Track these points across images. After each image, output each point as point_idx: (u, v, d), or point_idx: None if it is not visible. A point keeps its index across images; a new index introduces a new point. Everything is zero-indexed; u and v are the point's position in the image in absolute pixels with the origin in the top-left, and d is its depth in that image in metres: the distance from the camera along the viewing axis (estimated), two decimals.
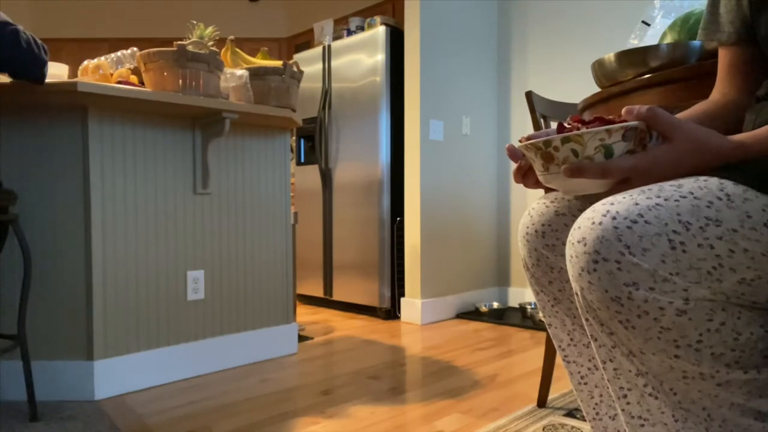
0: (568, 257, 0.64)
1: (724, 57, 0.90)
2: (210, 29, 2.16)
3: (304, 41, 4.77)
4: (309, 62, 3.53)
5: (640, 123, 0.67)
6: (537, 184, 0.84)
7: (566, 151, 0.69)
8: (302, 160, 3.64)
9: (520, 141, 0.76)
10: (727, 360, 0.59)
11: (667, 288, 0.57)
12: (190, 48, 1.94)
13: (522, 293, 3.31)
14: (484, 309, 3.14)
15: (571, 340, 0.92)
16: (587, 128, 0.68)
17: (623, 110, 0.70)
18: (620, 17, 2.85)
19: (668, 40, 1.33)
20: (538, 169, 0.75)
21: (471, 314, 3.14)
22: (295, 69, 2.29)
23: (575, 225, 0.64)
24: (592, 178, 0.68)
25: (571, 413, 1.61)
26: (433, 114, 3.03)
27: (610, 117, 0.70)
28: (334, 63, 3.40)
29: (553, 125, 2.69)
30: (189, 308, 2.09)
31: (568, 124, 0.72)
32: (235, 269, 2.23)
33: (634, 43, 1.53)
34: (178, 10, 5.06)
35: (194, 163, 2.11)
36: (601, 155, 0.68)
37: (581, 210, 0.85)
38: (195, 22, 2.19)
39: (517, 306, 3.24)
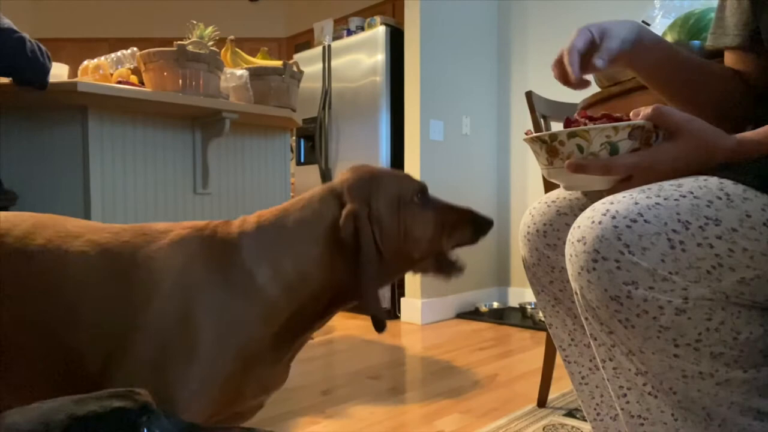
0: (567, 256, 0.64)
1: (729, 60, 0.90)
2: (210, 29, 2.16)
3: (304, 41, 4.77)
4: (309, 62, 3.53)
5: (647, 122, 0.67)
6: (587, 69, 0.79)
7: (571, 146, 0.69)
8: (302, 160, 3.64)
9: (526, 134, 0.76)
10: (727, 359, 0.59)
11: (666, 287, 0.57)
12: (190, 48, 1.94)
13: (522, 293, 3.32)
14: (484, 309, 3.14)
15: (572, 340, 0.92)
16: (594, 124, 0.68)
17: (631, 113, 0.70)
18: (620, 17, 2.84)
19: (668, 40, 1.33)
20: (542, 163, 0.75)
21: (471, 314, 3.14)
22: (295, 69, 2.29)
23: (575, 224, 0.64)
24: (595, 175, 0.68)
25: (571, 413, 1.61)
26: (433, 114, 3.03)
27: (618, 115, 0.70)
28: (334, 63, 3.40)
29: (554, 125, 2.69)
30: None
31: (575, 119, 0.72)
32: None
33: None
34: (178, 10, 5.06)
35: (194, 163, 2.11)
36: (606, 152, 0.68)
37: (582, 209, 0.85)
38: (195, 22, 2.19)
39: (517, 306, 3.24)
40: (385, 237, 0.81)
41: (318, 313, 0.82)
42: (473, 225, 0.88)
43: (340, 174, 0.86)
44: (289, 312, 0.78)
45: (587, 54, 0.77)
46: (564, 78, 0.79)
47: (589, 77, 0.82)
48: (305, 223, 0.81)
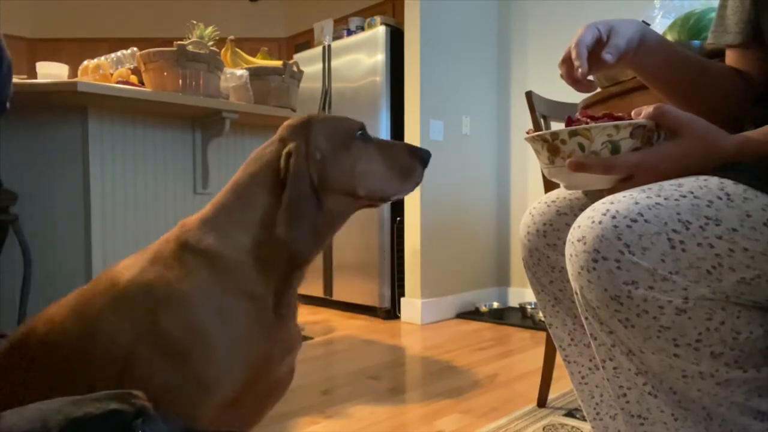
0: (567, 256, 0.64)
1: (731, 59, 0.90)
2: (210, 29, 2.16)
3: (304, 41, 4.77)
4: (309, 62, 3.53)
5: (648, 121, 0.67)
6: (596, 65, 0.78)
7: (573, 144, 0.69)
8: None
9: (527, 133, 0.76)
10: (727, 359, 0.59)
11: (666, 287, 0.57)
12: (190, 48, 1.94)
13: (522, 293, 3.31)
14: (484, 309, 3.14)
15: (572, 339, 0.92)
16: (596, 123, 0.68)
17: (633, 112, 0.70)
18: (620, 17, 2.84)
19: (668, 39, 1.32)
20: (543, 162, 0.75)
21: (471, 314, 3.14)
22: (295, 69, 2.29)
23: (575, 224, 0.64)
24: (596, 173, 0.68)
25: (571, 413, 1.61)
26: (433, 114, 3.03)
27: (620, 114, 0.70)
28: (334, 63, 3.40)
29: (554, 125, 2.69)
30: None
31: (577, 118, 0.72)
32: None
33: None
34: (178, 10, 5.06)
35: (194, 163, 2.11)
36: (607, 151, 0.68)
37: (582, 209, 0.85)
38: (195, 22, 2.19)
39: (517, 306, 3.24)
40: (328, 173, 0.83)
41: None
42: (415, 157, 0.90)
43: (281, 126, 0.89)
44: (263, 266, 0.80)
45: (594, 51, 0.78)
46: (571, 76, 0.79)
47: (591, 78, 0.82)
48: (255, 177, 0.83)
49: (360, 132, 0.88)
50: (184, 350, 0.73)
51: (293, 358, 0.88)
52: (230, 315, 0.76)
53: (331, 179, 0.83)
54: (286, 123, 0.88)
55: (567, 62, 0.79)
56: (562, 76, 0.81)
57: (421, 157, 0.90)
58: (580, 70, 0.76)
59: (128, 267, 0.79)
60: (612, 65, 0.78)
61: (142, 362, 0.72)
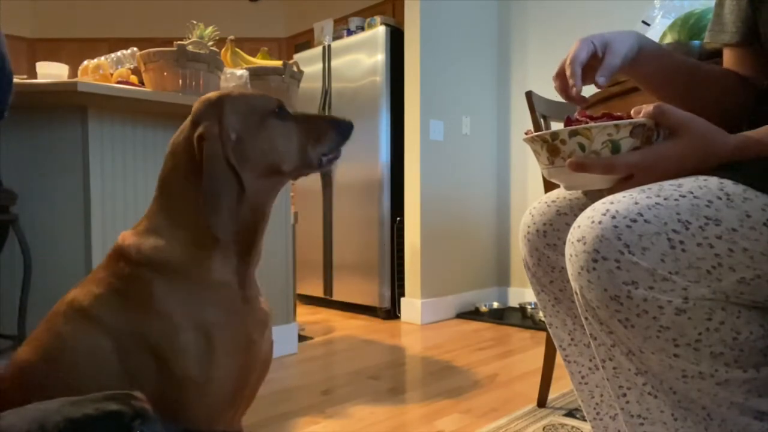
0: (567, 256, 0.64)
1: (728, 58, 0.90)
2: (210, 29, 2.16)
3: (304, 41, 4.77)
4: (309, 62, 3.53)
5: (648, 120, 0.67)
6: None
7: (573, 144, 0.69)
8: None
9: (526, 134, 0.76)
10: (726, 359, 0.59)
11: (666, 287, 0.57)
12: (190, 48, 1.94)
13: (522, 293, 3.31)
14: (484, 309, 3.14)
15: (572, 339, 0.92)
16: (596, 123, 0.68)
17: (632, 111, 0.70)
18: (620, 17, 2.85)
19: (668, 40, 1.32)
20: (542, 163, 0.75)
21: (471, 314, 3.14)
22: (295, 69, 2.29)
23: (575, 224, 0.64)
24: (597, 173, 0.68)
25: (571, 413, 1.61)
26: (433, 114, 3.03)
27: (619, 114, 0.70)
28: (334, 63, 3.39)
29: (553, 125, 2.69)
30: None
31: (576, 118, 0.72)
32: None
33: None
34: (178, 10, 5.06)
35: None
36: (607, 150, 0.67)
37: (582, 209, 0.85)
38: (195, 22, 2.18)
39: (517, 306, 3.24)
40: (244, 151, 0.82)
41: (245, 235, 0.84)
42: (336, 129, 0.89)
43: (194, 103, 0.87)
44: (219, 255, 0.81)
45: (589, 64, 0.78)
46: (565, 91, 0.80)
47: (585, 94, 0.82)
48: (178, 170, 0.82)
49: (278, 109, 0.86)
50: (171, 357, 0.74)
51: (270, 331, 0.89)
52: (203, 312, 0.77)
53: (251, 158, 0.82)
54: (198, 100, 0.85)
55: (561, 77, 0.80)
56: (556, 89, 0.81)
57: (338, 127, 0.89)
58: (574, 89, 0.76)
59: (85, 294, 0.80)
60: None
61: (136, 372, 0.74)
